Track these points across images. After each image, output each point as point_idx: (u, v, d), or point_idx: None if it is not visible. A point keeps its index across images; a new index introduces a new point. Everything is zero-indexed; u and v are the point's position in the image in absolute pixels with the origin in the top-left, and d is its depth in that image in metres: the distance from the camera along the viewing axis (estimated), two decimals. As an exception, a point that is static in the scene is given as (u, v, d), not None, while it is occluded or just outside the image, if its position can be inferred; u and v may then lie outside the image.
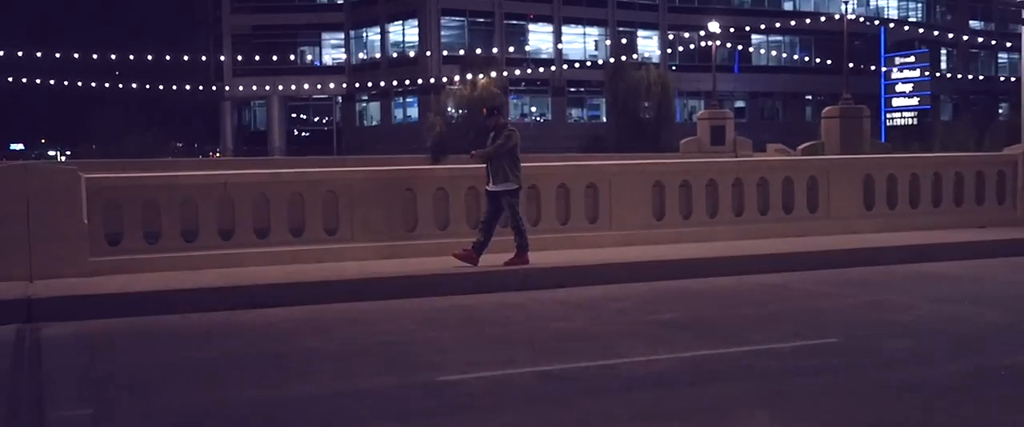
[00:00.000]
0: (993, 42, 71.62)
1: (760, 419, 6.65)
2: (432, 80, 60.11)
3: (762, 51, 73.53)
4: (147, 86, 62.56)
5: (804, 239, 15.51)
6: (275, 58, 65.06)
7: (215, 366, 8.67)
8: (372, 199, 13.99)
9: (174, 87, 63.32)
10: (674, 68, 68.51)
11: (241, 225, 13.48)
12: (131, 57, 59.40)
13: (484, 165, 13.36)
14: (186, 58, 61.34)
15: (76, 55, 58.01)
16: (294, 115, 73.78)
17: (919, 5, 78.99)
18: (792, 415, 6.73)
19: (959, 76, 76.10)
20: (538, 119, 66.54)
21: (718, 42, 57.41)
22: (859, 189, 16.57)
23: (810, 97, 75.88)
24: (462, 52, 62.57)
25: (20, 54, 54.64)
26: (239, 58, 67.73)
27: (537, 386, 7.70)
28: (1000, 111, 76.95)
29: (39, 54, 56.78)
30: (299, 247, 13.66)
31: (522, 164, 13.54)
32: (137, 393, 7.66)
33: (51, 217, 12.47)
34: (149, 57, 59.30)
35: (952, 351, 8.71)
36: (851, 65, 67.08)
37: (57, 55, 57.09)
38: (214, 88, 69.94)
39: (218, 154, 73.05)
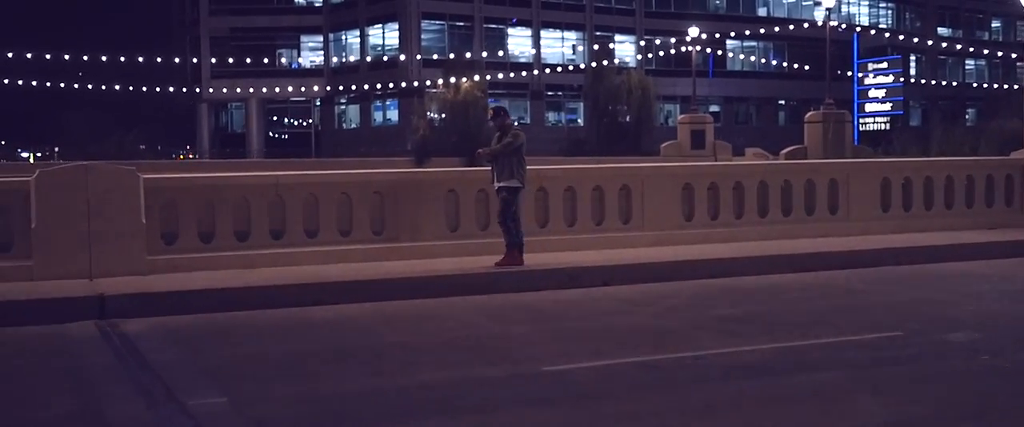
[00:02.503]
0: (960, 48, 72.94)
1: (864, 403, 7.11)
2: (415, 83, 60.36)
3: (740, 56, 74.42)
4: (122, 89, 62.27)
5: (829, 239, 16.05)
6: (256, 61, 65.08)
7: (316, 358, 9.00)
8: (416, 200, 14.35)
9: (146, 89, 63.11)
10: (647, 73, 69.18)
11: (292, 225, 13.79)
12: (105, 59, 59.14)
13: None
14: (163, 61, 61.20)
15: (47, 56, 57.74)
16: (272, 118, 73.71)
17: (889, 12, 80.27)
18: (895, 400, 7.19)
19: (924, 82, 77.35)
20: (517, 123, 67.01)
21: (698, 47, 58.10)
22: (877, 192, 17.16)
23: (783, 102, 76.97)
24: (442, 56, 62.88)
25: None
26: (217, 61, 67.63)
27: (640, 375, 8.12)
28: (967, 117, 78.49)
29: (9, 54, 56.43)
30: (347, 246, 13.99)
31: (557, 168, 13.92)
32: (258, 383, 7.98)
33: (111, 216, 12.72)
34: (123, 59, 59.05)
35: (1015, 343, 9.23)
36: (826, 71, 68.19)
37: (28, 56, 56.72)
38: (196, 90, 69.70)
39: (192, 155, 72.85)
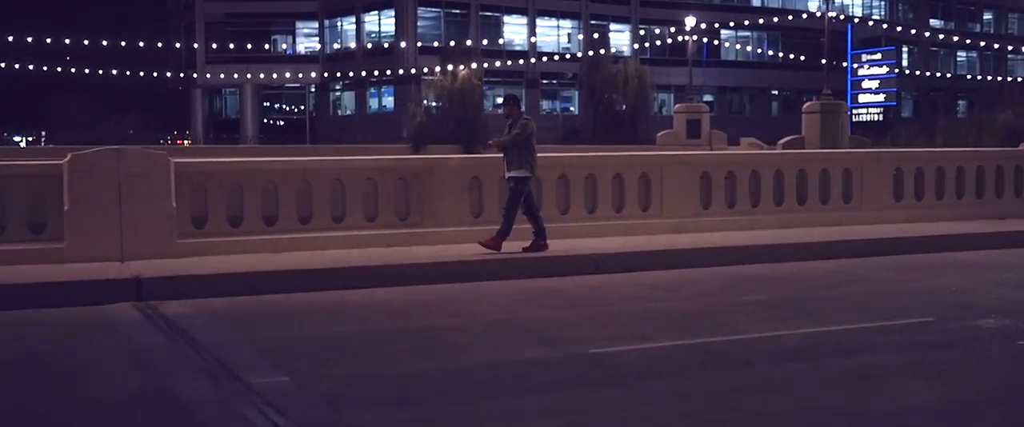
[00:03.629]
0: (956, 39, 73.32)
1: (914, 387, 7.31)
2: (412, 70, 60.39)
3: (736, 46, 74.64)
4: (116, 73, 62.07)
5: (844, 228, 16.29)
6: (248, 46, 64.97)
7: (363, 340, 9.16)
8: (440, 186, 14.49)
9: (140, 74, 62.92)
10: (642, 61, 69.32)
11: (318, 209, 13.93)
12: (98, 44, 58.93)
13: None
14: (156, 46, 61.04)
15: (39, 40, 57.48)
16: (267, 104, 73.63)
17: (882, 3, 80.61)
18: (944, 384, 7.40)
19: (916, 73, 77.73)
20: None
21: (694, 37, 58.29)
22: (889, 181, 17.40)
23: (776, 92, 77.26)
24: (438, 43, 62.92)
25: None
26: (212, 46, 67.50)
27: (686, 358, 8.31)
28: (958, 108, 78.92)
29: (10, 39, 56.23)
30: (372, 231, 14.14)
31: (579, 155, 14.08)
32: (314, 363, 8.12)
33: (142, 200, 12.84)
34: (118, 44, 58.84)
35: (1045, 329, 9.47)
36: (820, 61, 68.44)
37: (19, 39, 56.43)
38: (193, 75, 69.55)
39: (183, 142, 72.67)
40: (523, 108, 14.27)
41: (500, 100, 65.84)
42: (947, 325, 9.56)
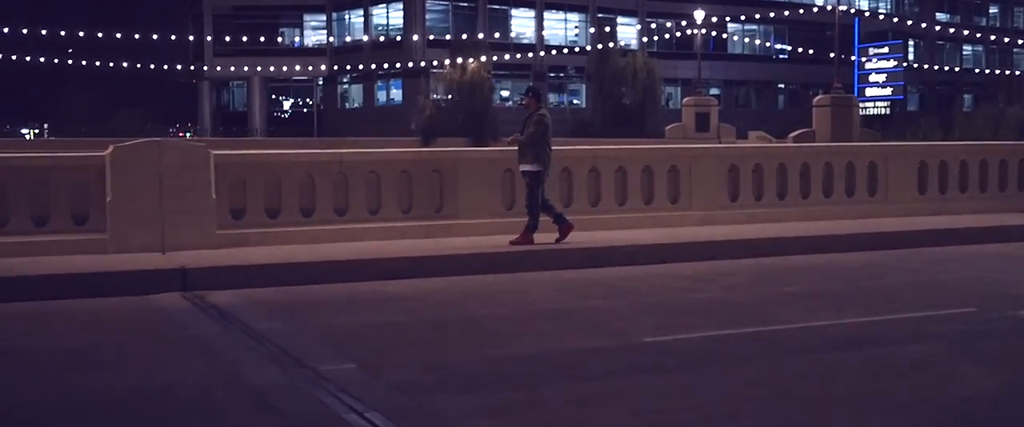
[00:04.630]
0: (966, 33, 73.42)
1: (969, 374, 7.46)
2: (421, 63, 60.50)
3: (745, 39, 74.74)
4: (122, 66, 62.19)
5: (871, 221, 16.44)
6: (258, 39, 65.07)
7: (416, 329, 9.32)
8: (474, 178, 14.65)
9: (149, 67, 63.04)
10: (648, 55, 69.41)
11: (354, 201, 14.08)
12: (104, 36, 59.02)
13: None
14: (164, 38, 61.16)
15: (49, 32, 57.56)
16: (274, 96, 73.77)
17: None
18: (998, 371, 7.55)
19: (922, 67, 77.86)
20: (520, 103, 67.24)
21: (703, 30, 58.39)
22: (914, 174, 17.54)
23: (783, 86, 77.36)
24: (448, 36, 63.01)
25: None
26: (219, 39, 67.60)
27: (741, 346, 8.46)
28: (964, 102, 79.01)
29: (4, 30, 56.26)
30: (408, 223, 14.30)
31: (610, 148, 14.22)
32: (375, 351, 8.27)
33: (183, 192, 13.00)
34: (125, 37, 58.93)
35: (1086, 319, 9.63)
36: (826, 54, 68.54)
37: (25, 31, 56.50)
38: (203, 68, 69.66)
39: (184, 134, 72.70)
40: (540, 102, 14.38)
41: (505, 94, 66.30)
42: (989, 315, 9.72)
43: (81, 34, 58.76)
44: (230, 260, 12.31)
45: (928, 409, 6.52)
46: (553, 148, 13.96)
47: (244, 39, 66.62)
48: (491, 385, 7.18)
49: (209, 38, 67.42)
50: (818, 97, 44.44)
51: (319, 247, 13.33)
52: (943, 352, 8.15)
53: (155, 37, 60.36)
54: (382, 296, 11.13)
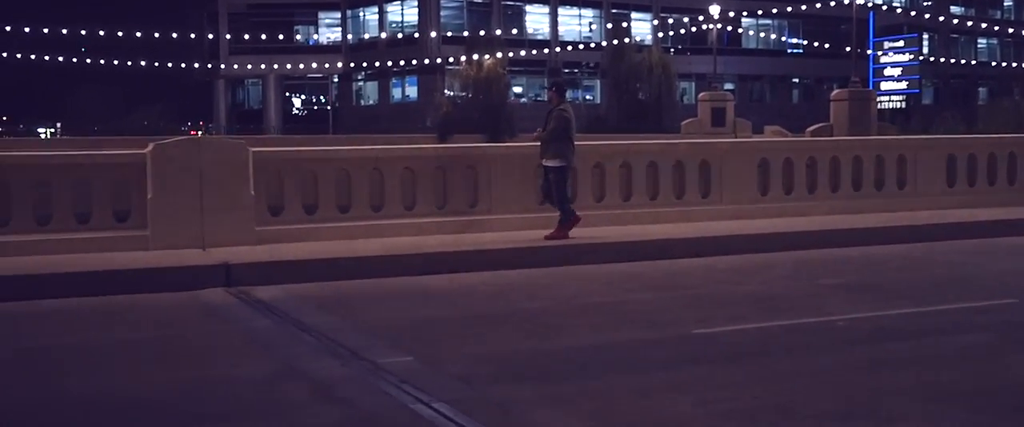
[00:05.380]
0: (984, 26, 73.26)
1: (1021, 363, 7.55)
2: (438, 60, 60.61)
3: (761, 34, 74.69)
4: (137, 64, 62.39)
5: (902, 213, 16.51)
6: (274, 37, 65.27)
7: (465, 323, 9.41)
8: (507, 174, 14.74)
9: (165, 65, 63.26)
10: (663, 50, 69.38)
11: (390, 197, 14.20)
12: (119, 34, 59.23)
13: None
14: (179, 36, 61.35)
15: (65, 32, 57.80)
16: (289, 94, 74.00)
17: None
18: (1049, 359, 7.64)
19: (937, 60, 77.69)
20: (535, 99, 67.30)
21: (719, 25, 58.37)
22: (943, 167, 17.59)
23: (797, 80, 77.26)
24: (460, 33, 63.08)
25: None
26: (234, 37, 67.82)
27: (789, 338, 8.55)
28: (979, 95, 78.83)
29: (26, 29, 56.52)
30: (442, 218, 14.40)
31: (642, 142, 14.28)
32: (429, 344, 8.38)
33: (222, 188, 13.12)
34: (133, 35, 59.12)
35: None
36: (840, 49, 68.46)
37: (36, 30, 56.63)
38: (216, 66, 69.91)
39: (198, 132, 72.96)
40: (546, 97, 14.46)
41: (518, 90, 66.26)
42: (1030, 306, 9.81)
43: (97, 33, 58.98)
44: (271, 256, 12.43)
45: (985, 398, 6.61)
46: (587, 144, 14.04)
47: (260, 37, 66.74)
48: (550, 376, 7.28)
49: (228, 37, 67.58)
50: (835, 91, 44.40)
51: (356, 243, 13.44)
52: (990, 342, 8.24)
53: (173, 36, 60.50)
54: (424, 290, 11.24)
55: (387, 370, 7.42)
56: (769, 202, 16.33)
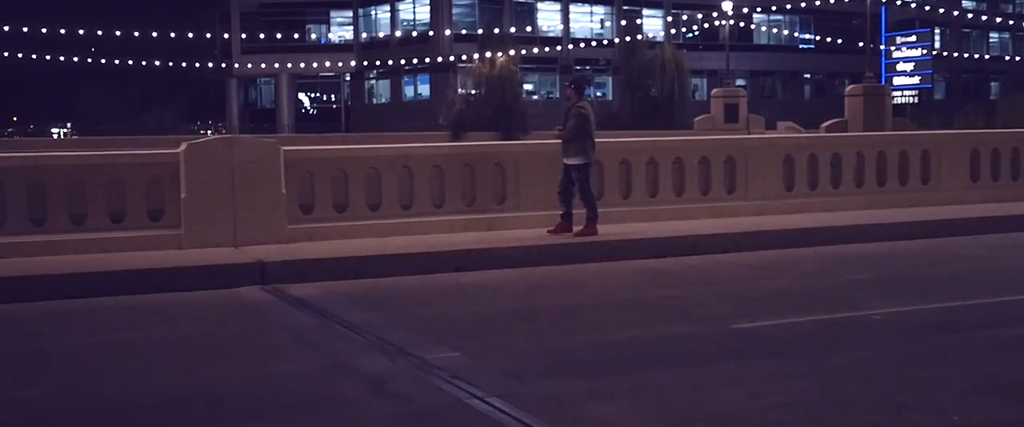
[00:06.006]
0: (999, 20, 73.08)
1: (1064, 356, 7.62)
2: (451, 58, 60.71)
3: (773, 30, 74.62)
4: (149, 64, 62.59)
5: (927, 208, 16.55)
6: (288, 36, 65.46)
7: (504, 318, 9.50)
8: (536, 171, 14.82)
9: (175, 65, 63.46)
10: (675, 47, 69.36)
11: (419, 195, 14.29)
12: (134, 34, 59.44)
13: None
14: (191, 36, 61.58)
15: (78, 31, 57.98)
16: (301, 93, 74.17)
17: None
18: (1092, 352, 7.70)
19: (948, 55, 77.53)
20: (547, 97, 67.40)
21: (731, 21, 58.35)
22: (966, 162, 17.62)
23: (809, 76, 77.21)
24: (472, 31, 63.17)
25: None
26: (247, 36, 68.00)
27: (830, 332, 8.62)
28: (991, 90, 78.65)
29: (45, 30, 56.65)
30: (471, 216, 14.49)
31: (668, 139, 14.33)
32: (473, 340, 8.46)
33: (254, 187, 13.21)
34: (145, 34, 59.34)
35: None
36: (852, 44, 68.38)
37: (48, 29, 56.77)
38: (229, 66, 70.11)
39: (207, 131, 73.12)
40: (557, 94, 14.54)
41: (529, 87, 66.29)
42: (1067, 299, 9.86)
43: (107, 33, 59.22)
44: (304, 254, 12.52)
45: (1036, 389, 6.68)
46: (614, 140, 14.10)
47: (273, 36, 66.95)
48: (598, 370, 7.36)
49: (243, 36, 67.74)
50: (850, 86, 44.47)
51: (387, 241, 13.53)
52: (1033, 335, 8.30)
53: (186, 36, 60.73)
54: (458, 287, 11.33)
55: (436, 366, 7.50)
56: (794, 198, 16.39)
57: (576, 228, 13.86)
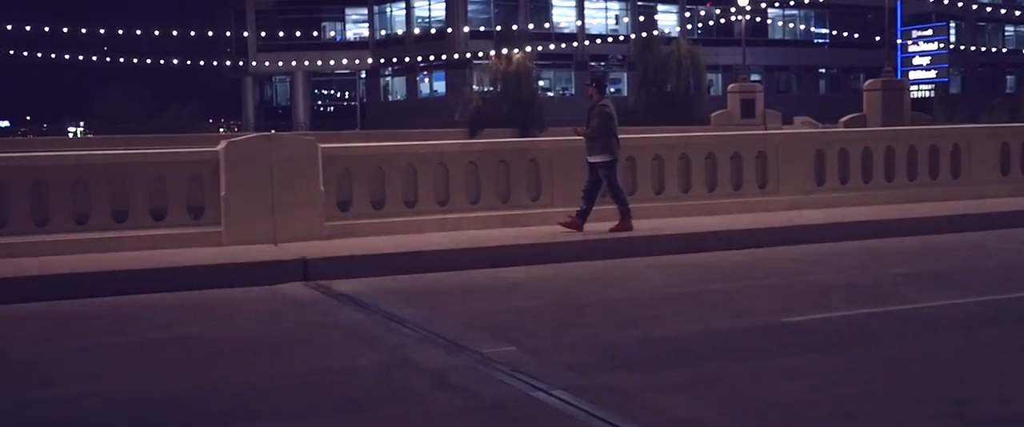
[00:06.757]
0: (1017, 14, 72.85)
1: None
2: (467, 54, 60.80)
3: (790, 25, 74.59)
4: (165, 63, 62.81)
5: (959, 202, 16.59)
6: (299, 33, 65.60)
7: (553, 312, 9.57)
8: (569, 167, 14.89)
9: (190, 63, 63.68)
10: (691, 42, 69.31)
11: (455, 191, 14.38)
12: (152, 33, 59.67)
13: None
14: (206, 34, 61.77)
15: (98, 31, 58.22)
16: (316, 90, 74.38)
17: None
18: None
19: (964, 48, 77.35)
20: (563, 93, 67.48)
21: (747, 16, 58.29)
22: (996, 156, 17.65)
23: (824, 70, 77.12)
24: (487, 27, 63.25)
25: (27, 28, 54.64)
26: (263, 34, 68.20)
27: (882, 325, 8.68)
28: (1007, 84, 78.43)
29: (61, 29, 56.91)
30: (506, 212, 14.58)
31: (700, 135, 14.38)
32: (528, 334, 8.53)
33: (293, 184, 13.32)
34: (161, 33, 59.55)
35: None
36: (867, 38, 68.31)
37: (61, 29, 57.01)
38: (251, 64, 70.35)
39: (220, 130, 73.28)
40: (573, 90, 14.59)
41: (543, 83, 66.36)
42: (1112, 292, 9.90)
43: (123, 32, 59.43)
44: (344, 250, 12.62)
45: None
46: (646, 137, 14.16)
47: (288, 34, 67.15)
48: (656, 363, 7.44)
49: (262, 34, 67.92)
50: (869, 81, 44.35)
51: (424, 237, 13.63)
52: (1084, 327, 8.35)
53: (201, 34, 60.92)
54: (501, 282, 11.40)
55: (494, 360, 7.58)
56: (825, 192, 16.45)
57: (609, 225, 13.92)
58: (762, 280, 11.22)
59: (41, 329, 9.48)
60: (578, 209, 13.96)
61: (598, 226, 13.99)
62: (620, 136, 14.35)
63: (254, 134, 13.96)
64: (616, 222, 13.90)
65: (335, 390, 7.01)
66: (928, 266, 11.92)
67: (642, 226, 14.04)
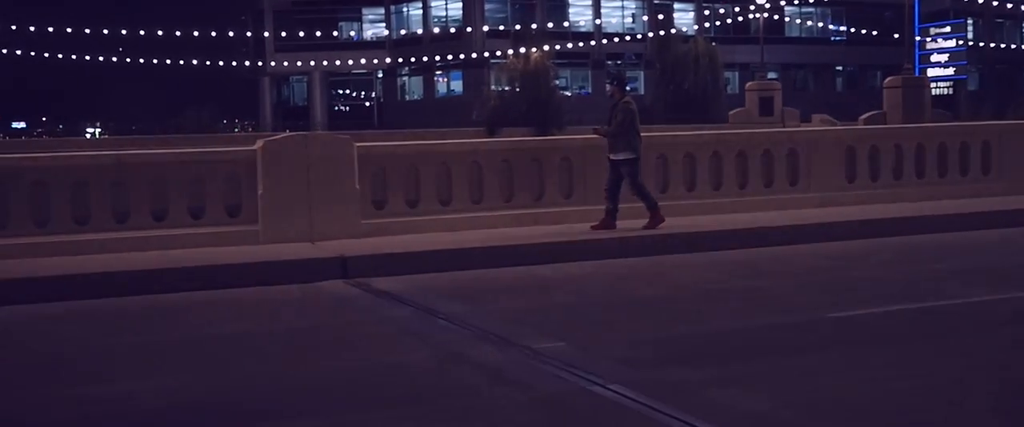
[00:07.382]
0: None
1: None
2: (486, 54, 60.87)
3: (807, 22, 74.44)
4: (186, 64, 63.05)
5: (989, 199, 16.57)
6: (316, 33, 65.75)
7: (599, 309, 9.63)
8: (600, 165, 14.91)
9: (209, 64, 63.89)
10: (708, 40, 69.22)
11: (489, 189, 14.44)
12: (173, 33, 59.89)
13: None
14: (224, 35, 61.98)
15: (123, 32, 58.50)
16: (333, 90, 74.56)
17: (948, -25, 79.86)
18: None
19: (982, 45, 77.03)
20: (579, 91, 67.49)
21: (765, 14, 58.22)
22: (1027, 152, 17.66)
23: (841, 68, 76.93)
24: (504, 26, 63.29)
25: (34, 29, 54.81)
26: (280, 34, 68.38)
27: (926, 320, 8.71)
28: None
29: (75, 30, 57.09)
30: (540, 209, 14.63)
31: (730, 132, 14.41)
32: (577, 330, 8.58)
33: (329, 183, 13.41)
34: (181, 34, 59.74)
35: None
36: (885, 36, 68.10)
37: (77, 29, 57.14)
38: (265, 64, 70.58)
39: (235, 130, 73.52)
40: (590, 89, 14.62)
41: (559, 82, 66.32)
42: None
43: (140, 33, 59.68)
44: (382, 248, 12.69)
45: None
46: (677, 135, 14.19)
47: (306, 34, 67.29)
48: (708, 358, 7.48)
49: (280, 34, 68.09)
50: (889, 78, 44.29)
51: (460, 234, 13.69)
52: None
53: (218, 35, 61.14)
54: (538, 279, 11.45)
55: (546, 355, 7.63)
56: (857, 189, 16.45)
57: (641, 222, 13.95)
58: (801, 276, 11.25)
59: (88, 327, 9.57)
60: (605, 209, 13.99)
61: (630, 224, 14.03)
62: (645, 134, 14.35)
63: (291, 133, 14.02)
64: (647, 220, 13.92)
65: (392, 385, 7.07)
66: (965, 262, 11.94)
67: (675, 223, 14.07)
